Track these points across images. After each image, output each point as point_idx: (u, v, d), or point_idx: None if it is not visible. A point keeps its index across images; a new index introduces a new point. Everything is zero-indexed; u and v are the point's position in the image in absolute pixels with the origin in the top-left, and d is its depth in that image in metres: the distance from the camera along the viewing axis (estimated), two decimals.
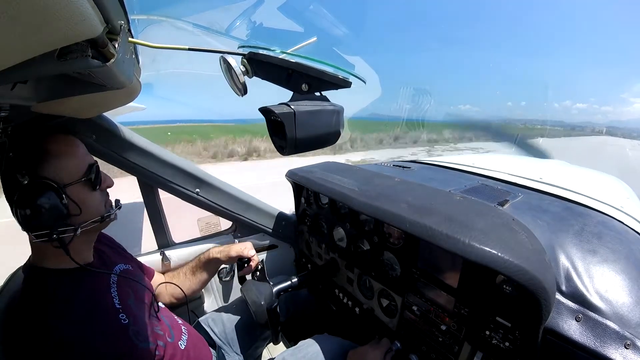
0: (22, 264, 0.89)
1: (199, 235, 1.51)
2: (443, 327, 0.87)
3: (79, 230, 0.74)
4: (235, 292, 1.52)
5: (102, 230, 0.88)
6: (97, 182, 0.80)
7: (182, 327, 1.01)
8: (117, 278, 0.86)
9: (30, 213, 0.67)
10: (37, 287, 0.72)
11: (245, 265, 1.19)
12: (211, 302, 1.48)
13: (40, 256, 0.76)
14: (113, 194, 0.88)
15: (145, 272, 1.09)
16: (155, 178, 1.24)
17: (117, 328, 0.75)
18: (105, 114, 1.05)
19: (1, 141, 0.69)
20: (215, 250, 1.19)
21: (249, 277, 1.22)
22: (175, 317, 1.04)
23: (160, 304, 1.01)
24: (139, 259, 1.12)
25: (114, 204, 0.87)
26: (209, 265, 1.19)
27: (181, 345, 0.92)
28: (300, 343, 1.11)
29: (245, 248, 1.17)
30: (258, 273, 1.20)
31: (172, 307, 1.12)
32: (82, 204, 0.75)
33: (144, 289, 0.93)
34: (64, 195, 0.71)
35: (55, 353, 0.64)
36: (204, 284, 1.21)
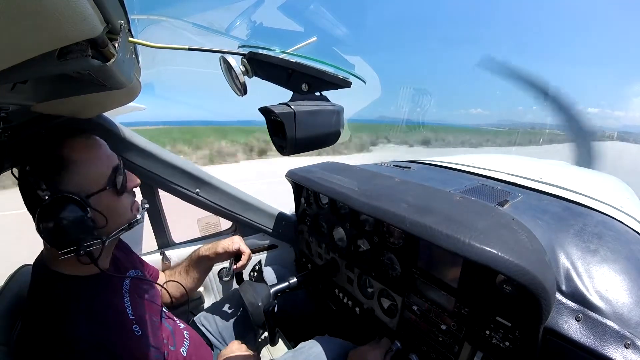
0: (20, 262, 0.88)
1: (199, 235, 1.51)
2: (443, 327, 0.87)
3: (107, 242, 0.71)
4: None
5: None
6: (123, 186, 0.76)
7: (185, 332, 0.99)
8: (129, 286, 0.83)
9: (54, 230, 0.64)
10: (50, 292, 0.69)
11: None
12: (211, 302, 1.47)
13: (55, 260, 0.71)
14: None
15: (151, 275, 1.07)
16: (155, 178, 1.24)
17: (131, 338, 0.73)
18: (105, 114, 1.05)
19: (1, 141, 0.69)
20: (204, 247, 1.18)
21: (246, 277, 1.22)
22: (178, 322, 1.02)
23: (163, 308, 0.99)
24: None
25: (140, 205, 0.84)
26: (200, 263, 1.17)
27: (183, 352, 0.91)
28: (301, 345, 1.11)
29: (232, 243, 1.16)
30: (255, 274, 1.19)
31: (172, 307, 1.12)
32: (108, 212, 0.72)
33: (153, 296, 0.92)
34: (88, 208, 0.67)
35: None
36: (198, 282, 1.20)
